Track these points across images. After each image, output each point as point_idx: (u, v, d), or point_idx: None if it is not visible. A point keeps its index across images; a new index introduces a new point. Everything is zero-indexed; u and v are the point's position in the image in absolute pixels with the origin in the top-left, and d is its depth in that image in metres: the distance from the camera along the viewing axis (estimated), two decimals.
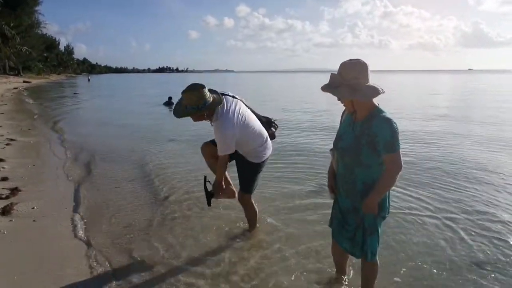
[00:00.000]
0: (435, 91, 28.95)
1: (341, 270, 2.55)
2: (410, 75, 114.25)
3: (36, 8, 58.21)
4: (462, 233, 3.29)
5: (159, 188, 4.60)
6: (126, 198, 4.24)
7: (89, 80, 59.95)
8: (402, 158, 1.91)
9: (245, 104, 3.03)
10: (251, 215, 3.27)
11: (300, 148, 6.94)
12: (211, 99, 2.72)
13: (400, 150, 1.89)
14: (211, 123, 2.84)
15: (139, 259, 2.87)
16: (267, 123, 3.25)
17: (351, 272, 2.60)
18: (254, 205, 3.25)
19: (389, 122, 1.88)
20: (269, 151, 3.08)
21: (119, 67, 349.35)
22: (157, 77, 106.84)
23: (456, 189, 4.47)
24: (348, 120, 2.10)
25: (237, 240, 3.21)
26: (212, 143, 3.04)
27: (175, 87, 33.59)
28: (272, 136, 3.22)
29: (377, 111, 1.96)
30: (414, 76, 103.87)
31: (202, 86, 2.70)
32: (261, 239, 3.24)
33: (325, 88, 1.99)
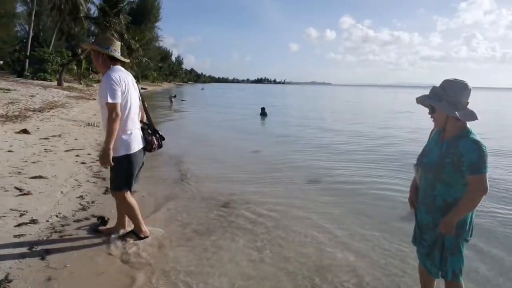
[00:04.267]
0: None
1: None
2: None
3: (156, 24, 65.54)
4: None
5: None
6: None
7: (202, 89, 75.04)
8: (488, 182, 1.91)
9: (140, 96, 3.32)
10: (127, 212, 3.37)
11: None
12: (117, 52, 3.13)
13: (487, 174, 1.91)
14: (100, 68, 3.12)
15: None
16: (153, 131, 3.43)
17: None
18: (130, 201, 3.30)
19: (477, 144, 1.92)
20: (138, 145, 3.18)
21: (221, 77, 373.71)
22: (258, 88, 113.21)
23: None
24: (436, 138, 2.17)
25: None
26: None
27: (271, 98, 34.60)
28: (151, 144, 3.34)
29: (467, 132, 2.00)
30: None
31: (118, 39, 3.25)
32: None
33: (423, 100, 2.09)
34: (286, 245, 3.47)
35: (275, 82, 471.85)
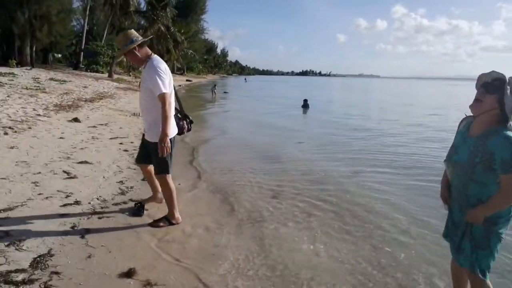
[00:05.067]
0: None
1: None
2: None
3: (202, 16, 66.72)
4: None
5: None
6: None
7: (245, 80, 78.00)
8: None
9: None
10: (167, 195, 3.50)
11: None
12: (139, 38, 3.21)
13: None
14: (143, 66, 3.25)
15: None
16: (184, 116, 3.69)
17: None
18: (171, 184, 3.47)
19: (510, 140, 1.80)
20: (174, 131, 3.38)
21: (265, 69, 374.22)
22: (301, 80, 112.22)
23: None
24: (464, 132, 2.07)
25: None
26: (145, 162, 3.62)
27: (314, 90, 34.03)
28: (181, 129, 3.60)
29: (498, 128, 1.87)
30: None
31: (129, 29, 3.26)
32: None
33: (489, 76, 1.91)
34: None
35: (320, 74, 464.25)
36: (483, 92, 1.91)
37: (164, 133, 3.12)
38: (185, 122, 3.65)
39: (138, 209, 3.74)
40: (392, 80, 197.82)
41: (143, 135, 3.57)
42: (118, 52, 3.31)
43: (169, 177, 3.45)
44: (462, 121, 2.16)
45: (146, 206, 3.81)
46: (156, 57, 3.30)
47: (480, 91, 1.93)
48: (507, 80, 1.87)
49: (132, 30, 3.36)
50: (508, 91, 1.85)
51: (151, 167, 3.64)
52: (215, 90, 25.64)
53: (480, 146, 1.90)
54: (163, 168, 3.40)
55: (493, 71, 1.92)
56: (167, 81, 3.18)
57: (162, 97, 3.12)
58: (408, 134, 10.59)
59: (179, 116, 3.64)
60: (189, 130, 3.70)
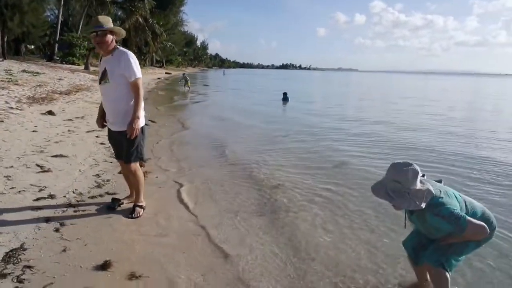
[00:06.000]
0: None
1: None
2: None
3: (181, 8, 65.59)
4: None
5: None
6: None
7: (224, 74, 73.92)
8: (478, 222, 1.99)
9: None
10: (140, 182, 3.58)
11: None
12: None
13: (468, 218, 1.97)
14: (111, 53, 3.22)
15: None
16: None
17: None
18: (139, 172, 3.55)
19: (440, 214, 1.99)
20: (143, 120, 3.39)
21: (245, 62, 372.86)
22: (281, 73, 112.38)
23: None
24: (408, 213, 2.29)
25: None
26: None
27: (293, 84, 34.24)
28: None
29: (426, 206, 2.03)
30: None
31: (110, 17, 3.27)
32: None
33: (382, 195, 2.09)
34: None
35: (300, 68, 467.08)
36: (393, 205, 2.11)
37: (135, 115, 3.21)
38: None
39: (112, 202, 3.71)
40: (370, 74, 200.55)
41: (109, 130, 3.52)
42: (93, 29, 3.17)
43: (138, 164, 3.54)
44: None
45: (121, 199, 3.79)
46: (121, 47, 3.32)
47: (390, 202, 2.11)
48: (393, 187, 2.04)
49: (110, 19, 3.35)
50: (406, 197, 2.01)
51: (133, 166, 3.54)
52: (188, 83, 23.96)
53: (424, 223, 2.16)
54: (137, 155, 3.42)
55: (380, 188, 2.10)
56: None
57: (138, 82, 3.23)
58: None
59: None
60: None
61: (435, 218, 2.00)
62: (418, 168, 2.03)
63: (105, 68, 3.27)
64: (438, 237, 2.18)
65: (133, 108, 3.24)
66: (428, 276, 2.40)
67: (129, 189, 3.86)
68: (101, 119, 3.56)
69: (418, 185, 2.02)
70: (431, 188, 2.02)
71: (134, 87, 3.23)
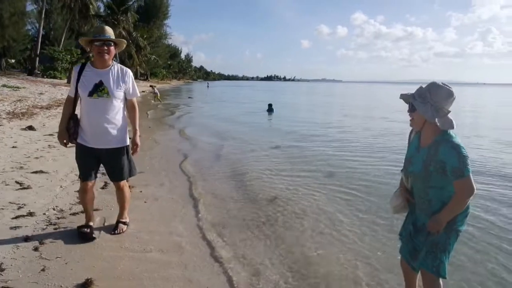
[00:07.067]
0: None
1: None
2: None
3: (165, 22, 65.77)
4: None
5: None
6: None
7: (208, 86, 74.10)
8: (474, 183, 1.93)
9: None
10: (127, 198, 3.55)
11: None
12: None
13: (471, 175, 1.91)
14: (108, 66, 3.11)
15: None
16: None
17: None
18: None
19: (456, 149, 1.93)
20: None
21: (230, 74, 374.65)
22: (265, 85, 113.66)
23: None
24: (416, 143, 2.18)
25: None
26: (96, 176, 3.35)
27: (277, 95, 34.56)
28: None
29: (445, 136, 1.99)
30: None
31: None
32: None
33: (407, 97, 2.08)
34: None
35: (285, 79, 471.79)
36: (410, 111, 2.10)
37: (137, 130, 3.33)
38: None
39: (84, 229, 3.35)
40: (353, 84, 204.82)
41: (89, 148, 3.23)
42: (100, 37, 3.00)
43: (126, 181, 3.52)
44: (411, 132, 2.27)
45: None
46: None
47: (409, 109, 2.11)
48: (421, 93, 2.04)
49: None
50: (428, 105, 1.99)
51: (123, 183, 3.42)
52: (158, 96, 23.46)
53: (433, 156, 2.01)
54: (131, 171, 3.42)
55: (409, 93, 2.10)
56: None
57: (135, 100, 3.39)
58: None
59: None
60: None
61: (450, 151, 1.93)
62: (454, 95, 2.00)
63: (100, 81, 3.05)
64: (430, 198, 2.08)
65: (134, 124, 3.38)
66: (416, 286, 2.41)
67: (120, 208, 3.59)
68: (67, 134, 3.23)
69: (445, 107, 1.99)
70: (454, 122, 1.99)
71: (134, 104, 3.38)
